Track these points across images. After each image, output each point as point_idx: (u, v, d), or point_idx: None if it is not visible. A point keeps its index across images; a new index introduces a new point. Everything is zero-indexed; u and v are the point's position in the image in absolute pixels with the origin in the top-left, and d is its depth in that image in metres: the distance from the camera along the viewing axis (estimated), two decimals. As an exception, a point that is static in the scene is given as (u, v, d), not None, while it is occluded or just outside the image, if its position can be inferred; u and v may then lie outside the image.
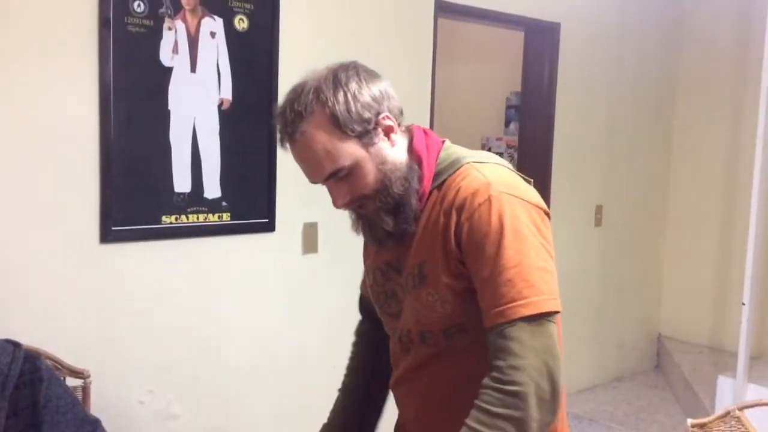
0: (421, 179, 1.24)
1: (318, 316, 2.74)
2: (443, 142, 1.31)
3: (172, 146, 2.28)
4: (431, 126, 3.04)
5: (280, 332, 2.65)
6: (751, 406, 1.61)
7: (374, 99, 1.21)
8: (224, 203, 2.42)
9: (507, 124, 4.68)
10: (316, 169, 1.20)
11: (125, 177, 2.20)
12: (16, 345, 1.69)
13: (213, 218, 2.40)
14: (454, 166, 1.25)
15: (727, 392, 3.17)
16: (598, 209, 3.97)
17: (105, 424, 1.80)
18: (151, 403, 2.35)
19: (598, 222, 3.99)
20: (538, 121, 3.69)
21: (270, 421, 2.64)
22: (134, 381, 2.30)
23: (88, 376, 1.91)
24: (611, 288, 4.12)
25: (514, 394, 1.08)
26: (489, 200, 1.16)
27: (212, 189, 2.39)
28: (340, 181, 1.21)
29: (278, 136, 1.22)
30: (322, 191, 1.26)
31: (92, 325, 2.19)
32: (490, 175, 1.21)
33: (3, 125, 2.01)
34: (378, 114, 1.21)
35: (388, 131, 1.23)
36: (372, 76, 1.23)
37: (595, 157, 3.93)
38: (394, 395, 1.46)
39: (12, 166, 2.03)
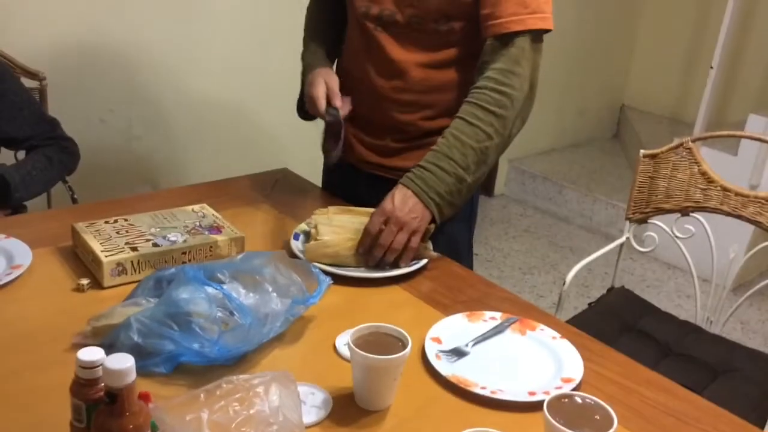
0: None
1: (283, 45, 2.64)
2: None
3: None
4: None
5: (242, 60, 2.57)
6: (704, 138, 1.65)
7: None
8: None
9: None
10: None
11: None
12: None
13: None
14: None
15: (679, 156, 3.26)
16: (581, -32, 3.80)
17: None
18: (113, 122, 2.33)
19: (578, -18, 3.83)
20: None
21: (229, 149, 2.66)
22: (94, 97, 2.26)
23: (44, 78, 1.85)
24: (581, 54, 4.06)
25: (509, 96, 1.23)
26: None
27: None
28: None
29: None
30: None
31: (46, 31, 2.08)
32: None
33: None
34: None
35: None
36: None
37: None
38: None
39: None
